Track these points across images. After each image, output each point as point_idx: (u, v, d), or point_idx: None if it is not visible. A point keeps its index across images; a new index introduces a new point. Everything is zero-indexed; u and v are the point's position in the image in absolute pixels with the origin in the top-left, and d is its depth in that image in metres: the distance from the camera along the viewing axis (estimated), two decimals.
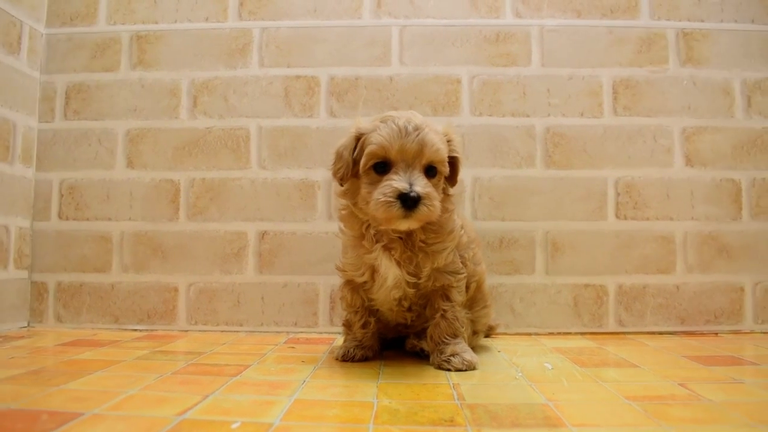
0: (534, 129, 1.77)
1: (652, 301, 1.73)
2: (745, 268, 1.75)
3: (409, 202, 1.11)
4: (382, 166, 1.17)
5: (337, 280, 1.43)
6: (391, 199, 1.11)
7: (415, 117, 1.19)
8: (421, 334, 1.36)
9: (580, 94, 1.78)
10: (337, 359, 1.31)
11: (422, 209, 1.11)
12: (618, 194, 1.75)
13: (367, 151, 1.17)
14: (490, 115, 1.77)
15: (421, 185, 1.12)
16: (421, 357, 1.34)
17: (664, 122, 1.77)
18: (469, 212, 1.73)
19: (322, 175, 1.76)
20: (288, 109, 1.79)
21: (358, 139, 1.21)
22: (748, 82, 1.79)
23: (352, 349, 1.31)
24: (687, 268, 1.74)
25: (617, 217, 1.75)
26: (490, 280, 1.70)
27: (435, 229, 1.24)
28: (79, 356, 1.32)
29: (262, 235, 1.76)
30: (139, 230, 1.78)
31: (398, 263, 1.24)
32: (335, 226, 1.68)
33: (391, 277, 1.25)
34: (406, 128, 1.15)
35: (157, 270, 1.77)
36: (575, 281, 1.74)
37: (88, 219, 1.80)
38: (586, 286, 1.74)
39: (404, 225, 1.15)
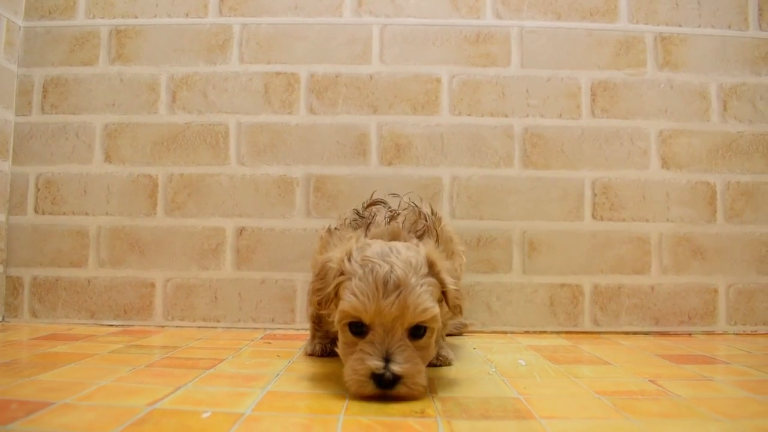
0: (512, 129, 1.78)
1: (627, 302, 1.75)
2: (719, 269, 1.77)
3: (383, 382, 0.92)
4: (358, 327, 0.98)
5: None
6: (362, 378, 0.93)
7: (397, 263, 0.97)
8: None
9: (559, 96, 1.80)
10: (312, 355, 1.30)
11: (401, 389, 0.92)
12: (595, 195, 1.77)
13: (340, 308, 0.98)
14: (469, 115, 1.78)
15: (400, 360, 0.93)
16: None
17: (641, 125, 1.79)
18: (447, 211, 1.74)
19: (300, 171, 1.76)
20: (267, 106, 1.79)
21: (340, 273, 1.02)
22: (725, 87, 1.81)
23: (328, 345, 1.31)
24: (662, 269, 1.76)
25: (594, 217, 1.76)
26: (468, 279, 1.70)
27: None
28: (52, 349, 1.31)
29: (240, 231, 1.75)
30: (116, 225, 1.77)
31: None
32: (313, 223, 1.70)
33: None
34: (385, 287, 0.94)
35: (134, 265, 1.76)
36: (551, 281, 1.75)
37: (64, 213, 1.78)
38: (562, 285, 1.75)
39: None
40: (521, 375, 1.14)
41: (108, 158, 1.79)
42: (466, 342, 1.55)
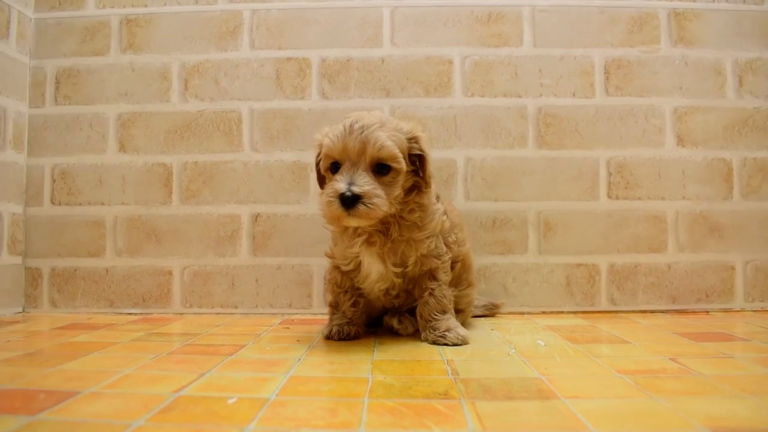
0: (526, 109, 1.77)
1: (644, 280, 1.75)
2: (736, 247, 1.76)
3: (347, 201, 1.12)
4: (335, 167, 1.19)
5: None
6: (332, 199, 1.13)
7: (368, 117, 1.19)
8: (395, 311, 1.41)
9: (572, 75, 1.78)
10: (329, 337, 1.31)
11: (361, 208, 1.12)
12: (610, 174, 1.76)
13: (321, 154, 1.23)
14: (482, 96, 1.77)
15: (360, 184, 1.13)
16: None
17: (655, 102, 1.78)
18: (462, 193, 1.74)
19: (314, 157, 1.75)
20: (280, 92, 1.78)
21: (322, 145, 1.23)
22: (740, 62, 1.79)
23: (345, 326, 1.32)
24: (678, 247, 1.76)
25: (609, 197, 1.76)
26: (484, 260, 1.71)
27: (410, 225, 1.26)
28: (74, 339, 1.32)
29: (256, 217, 1.76)
30: (132, 214, 1.78)
31: (381, 258, 1.27)
32: None
33: (374, 272, 1.29)
34: (351, 128, 1.16)
35: (151, 254, 1.77)
36: (568, 261, 1.75)
37: (80, 204, 1.79)
38: (579, 265, 1.75)
39: (352, 222, 1.17)
40: (541, 355, 1.14)
41: (122, 148, 1.80)
42: (484, 323, 1.55)
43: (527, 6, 1.79)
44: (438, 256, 1.30)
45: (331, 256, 1.36)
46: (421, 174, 1.25)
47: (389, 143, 1.16)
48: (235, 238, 1.76)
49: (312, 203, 1.75)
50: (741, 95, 1.79)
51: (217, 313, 1.74)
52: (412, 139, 1.23)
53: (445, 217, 1.34)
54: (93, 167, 1.80)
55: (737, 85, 1.79)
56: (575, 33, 1.79)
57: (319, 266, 1.73)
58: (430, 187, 1.26)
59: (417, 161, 1.24)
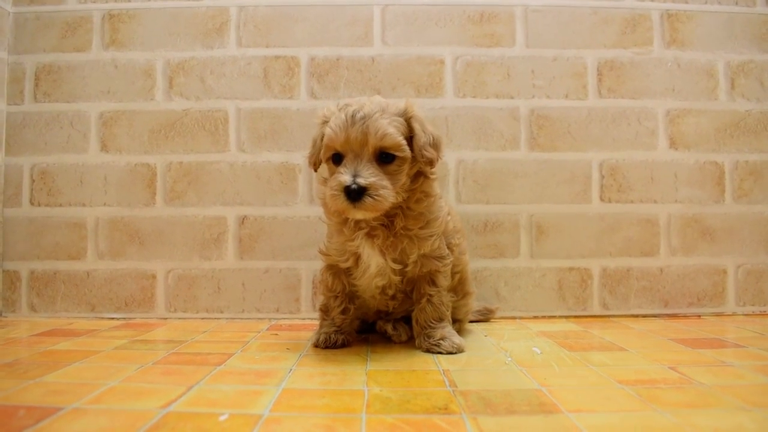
0: (518, 111, 1.74)
1: (636, 284, 1.73)
2: (728, 250, 1.75)
3: (352, 194, 1.09)
4: (337, 157, 1.17)
5: (319, 265, 1.40)
6: (337, 192, 1.11)
7: (369, 104, 1.16)
8: (389, 317, 1.39)
9: (565, 76, 1.76)
10: (316, 345, 1.28)
11: (367, 200, 1.10)
12: (602, 177, 1.74)
13: (322, 144, 1.19)
14: (474, 97, 1.74)
15: (365, 176, 1.11)
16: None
17: (648, 104, 1.76)
18: (453, 195, 1.71)
19: (303, 158, 1.72)
20: (267, 91, 1.74)
21: (324, 124, 1.20)
22: (732, 65, 1.78)
23: (332, 335, 1.29)
24: (671, 250, 1.74)
25: (602, 199, 1.74)
26: (476, 264, 1.68)
27: (416, 216, 1.22)
28: (55, 347, 1.27)
29: (242, 219, 1.72)
30: (114, 216, 1.73)
31: (381, 251, 1.23)
32: (317, 210, 1.66)
33: (373, 265, 1.25)
34: (353, 118, 1.13)
35: (134, 256, 1.72)
36: (560, 264, 1.73)
37: (61, 205, 1.74)
38: (571, 269, 1.73)
39: (358, 215, 1.14)
40: (538, 364, 1.12)
41: (104, 147, 1.74)
42: (477, 329, 1.52)
43: (520, 6, 1.76)
44: (440, 258, 1.27)
45: (325, 253, 1.31)
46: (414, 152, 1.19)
47: (391, 130, 1.13)
48: (221, 240, 1.72)
49: (300, 206, 1.71)
50: (733, 98, 1.78)
51: (203, 318, 1.70)
52: (409, 119, 1.19)
53: (449, 217, 1.32)
54: (74, 167, 1.74)
55: (729, 87, 1.78)
56: (568, 34, 1.77)
57: (308, 270, 1.70)
58: (434, 167, 1.22)
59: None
